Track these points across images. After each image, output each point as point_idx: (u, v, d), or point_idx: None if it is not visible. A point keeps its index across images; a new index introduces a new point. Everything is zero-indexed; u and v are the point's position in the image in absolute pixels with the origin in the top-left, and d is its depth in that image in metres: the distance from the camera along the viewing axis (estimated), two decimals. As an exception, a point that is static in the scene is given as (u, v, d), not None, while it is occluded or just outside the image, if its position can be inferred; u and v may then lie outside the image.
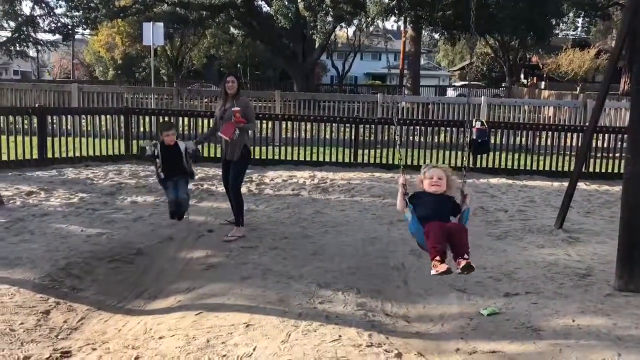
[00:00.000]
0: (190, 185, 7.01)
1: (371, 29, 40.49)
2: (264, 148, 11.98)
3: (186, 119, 12.53)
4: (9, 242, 6.18)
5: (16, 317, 4.38)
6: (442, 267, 3.66)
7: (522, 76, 45.67)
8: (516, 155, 11.77)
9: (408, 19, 26.38)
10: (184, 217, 6.73)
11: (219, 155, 10.05)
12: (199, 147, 7.04)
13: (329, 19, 26.45)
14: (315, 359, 3.67)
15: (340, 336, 4.01)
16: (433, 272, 3.76)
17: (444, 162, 11.62)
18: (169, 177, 6.56)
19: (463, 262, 3.70)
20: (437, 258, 3.71)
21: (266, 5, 31.39)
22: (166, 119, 12.53)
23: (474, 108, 16.26)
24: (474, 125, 11.60)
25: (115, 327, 4.41)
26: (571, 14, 31.04)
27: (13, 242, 6.19)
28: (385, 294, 5.15)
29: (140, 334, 4.21)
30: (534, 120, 16.93)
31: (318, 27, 26.25)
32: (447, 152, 11.95)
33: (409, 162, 11.65)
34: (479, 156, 11.70)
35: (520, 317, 4.49)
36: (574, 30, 39.50)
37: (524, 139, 12.35)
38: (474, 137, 11.49)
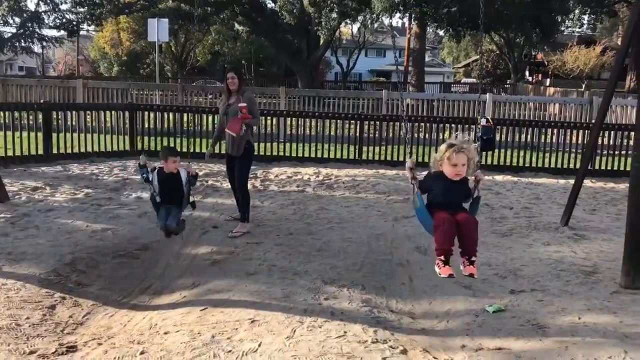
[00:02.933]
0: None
1: (376, 25, 40.42)
2: (268, 144, 11.97)
3: (190, 115, 12.54)
4: (15, 237, 6.20)
5: (22, 311, 4.40)
6: (445, 271, 3.55)
7: (527, 73, 45.52)
8: (521, 153, 11.73)
9: (413, 15, 26.31)
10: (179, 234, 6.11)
11: (223, 151, 10.10)
12: (198, 172, 6.28)
13: (334, 15, 26.39)
14: (320, 354, 3.66)
15: (345, 332, 4.01)
16: (437, 270, 3.63)
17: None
18: (164, 203, 5.86)
19: (468, 270, 3.60)
20: (442, 258, 3.58)
21: (271, 2, 31.40)
22: (171, 115, 12.54)
23: (479, 105, 16.20)
24: (479, 122, 11.55)
25: (120, 322, 4.42)
26: (577, 11, 30.88)
27: (19, 237, 6.20)
28: (390, 291, 5.14)
29: (145, 329, 4.21)
30: (539, 117, 16.88)
31: (323, 23, 26.23)
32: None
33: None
34: (484, 153, 11.65)
35: (526, 314, 4.48)
36: (579, 27, 39.29)
37: (529, 136, 12.31)
38: (480, 134, 11.43)
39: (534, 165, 11.58)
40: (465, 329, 4.30)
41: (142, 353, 3.76)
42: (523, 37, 33.55)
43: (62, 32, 33.14)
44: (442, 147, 3.66)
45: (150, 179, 5.80)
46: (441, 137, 12.61)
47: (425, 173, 3.83)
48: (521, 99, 18.30)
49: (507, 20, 26.66)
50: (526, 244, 6.45)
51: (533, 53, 41.47)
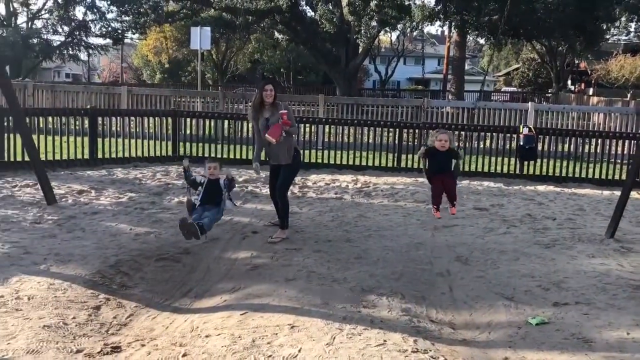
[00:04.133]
0: (229, 205, 6.75)
1: (415, 33, 40.24)
2: (307, 151, 12.02)
3: (231, 122, 12.73)
4: (62, 238, 6.39)
5: (69, 311, 4.52)
6: (437, 215, 6.00)
7: (569, 82, 44.58)
8: (564, 163, 11.49)
9: (453, 23, 26.10)
10: (199, 237, 6.07)
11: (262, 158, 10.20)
12: (234, 178, 6.85)
13: (374, 23, 26.34)
14: (360, 362, 3.65)
15: (385, 341, 3.98)
16: (433, 213, 6.10)
17: (489, 169, 11.45)
18: (202, 204, 6.42)
19: (452, 210, 6.07)
20: (435, 207, 5.94)
21: (311, 10, 31.53)
22: (212, 122, 12.73)
23: (520, 114, 15.95)
24: (521, 131, 11.39)
25: (162, 325, 4.49)
26: (623, 18, 30.08)
27: (65, 239, 6.38)
28: (430, 300, 5.10)
29: (187, 332, 4.28)
30: (582, 127, 16.50)
31: (362, 31, 26.20)
32: (492, 159, 11.76)
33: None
34: (525, 163, 11.47)
35: (571, 327, 4.37)
36: (626, 35, 38.27)
37: (572, 146, 12.05)
38: (521, 143, 11.28)
39: (577, 175, 11.32)
40: (508, 341, 4.23)
41: (184, 355, 3.82)
42: (566, 46, 32.88)
43: (108, 40, 34.01)
44: (432, 132, 5.98)
45: (200, 181, 6.52)
46: (482, 145, 12.47)
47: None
48: (564, 108, 17.93)
49: (549, 28, 26.16)
50: (570, 256, 6.30)
51: (576, 62, 40.57)
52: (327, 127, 13.28)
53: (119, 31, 32.35)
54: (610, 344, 4.03)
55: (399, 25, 27.99)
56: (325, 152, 12.20)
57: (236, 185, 6.91)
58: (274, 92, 6.64)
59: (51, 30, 35.39)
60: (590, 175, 11.28)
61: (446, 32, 38.83)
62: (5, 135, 10.26)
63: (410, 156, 11.91)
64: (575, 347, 4.02)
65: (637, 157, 7.40)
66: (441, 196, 5.78)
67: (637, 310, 4.68)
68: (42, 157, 9.97)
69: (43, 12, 36.46)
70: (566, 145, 12.22)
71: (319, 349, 3.82)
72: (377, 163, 11.88)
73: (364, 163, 11.91)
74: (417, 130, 12.49)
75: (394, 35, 45.37)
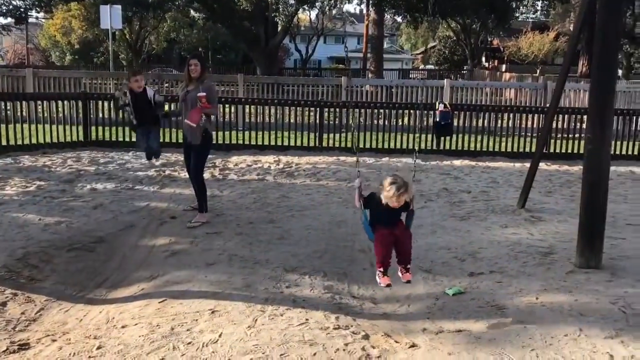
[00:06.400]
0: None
1: (334, 12, 40.31)
2: (227, 133, 11.81)
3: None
4: (-38, 232, 5.96)
5: (-29, 310, 4.23)
6: (385, 281, 4.09)
7: (483, 59, 46.14)
8: (479, 137, 11.89)
9: (370, 1, 26.30)
10: (159, 158, 7.56)
11: (180, 140, 9.92)
12: (164, 100, 7.44)
13: (291, 1, 26.14)
14: (282, 343, 3.63)
15: (307, 319, 3.99)
16: (377, 280, 4.15)
17: (407, 146, 11.64)
18: (141, 124, 6.83)
19: (406, 277, 4.13)
20: (381, 269, 4.09)
21: (227, -13, 30.85)
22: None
23: (436, 91, 16.35)
24: (437, 107, 11.66)
25: (76, 317, 4.30)
26: (530, -3, 31.43)
27: (-33, 232, 5.96)
28: (351, 277, 5.15)
29: (102, 324, 4.11)
30: (495, 102, 17.14)
31: (280, 9, 25.93)
32: (410, 135, 12.00)
33: (373, 145, 11.66)
34: (442, 138, 11.77)
35: (485, 296, 4.54)
36: (533, 13, 40.01)
37: (486, 121, 12.49)
38: (437, 120, 11.55)
39: (491, 149, 11.75)
40: (426, 313, 4.34)
41: (98, 348, 3.66)
42: (479, 23, 33.95)
43: (10, 19, 31.97)
44: (387, 185, 3.97)
45: (127, 102, 6.69)
46: (400, 123, 12.68)
47: (369, 192, 4.30)
48: (478, 85, 18.53)
49: (462, 7, 26.92)
50: (484, 227, 6.55)
51: (489, 39, 42.03)
52: (247, 107, 13.07)
53: (22, 9, 30.44)
54: (521, 309, 4.21)
55: (317, 3, 27.89)
56: (247, 133, 12.03)
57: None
58: (199, 66, 6.46)
59: (-55, 9, 32.84)
60: (502, 149, 11.74)
61: (364, 10, 39.10)
62: None
63: (332, 135, 11.95)
64: (490, 314, 4.18)
65: (544, 130, 7.75)
66: (390, 255, 4.09)
67: (545, 275, 4.93)
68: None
69: None
70: (480, 121, 12.65)
71: (240, 332, 3.77)
72: (299, 143, 11.83)
73: (286, 143, 11.84)
74: (337, 110, 12.54)
75: (313, 13, 45.27)
